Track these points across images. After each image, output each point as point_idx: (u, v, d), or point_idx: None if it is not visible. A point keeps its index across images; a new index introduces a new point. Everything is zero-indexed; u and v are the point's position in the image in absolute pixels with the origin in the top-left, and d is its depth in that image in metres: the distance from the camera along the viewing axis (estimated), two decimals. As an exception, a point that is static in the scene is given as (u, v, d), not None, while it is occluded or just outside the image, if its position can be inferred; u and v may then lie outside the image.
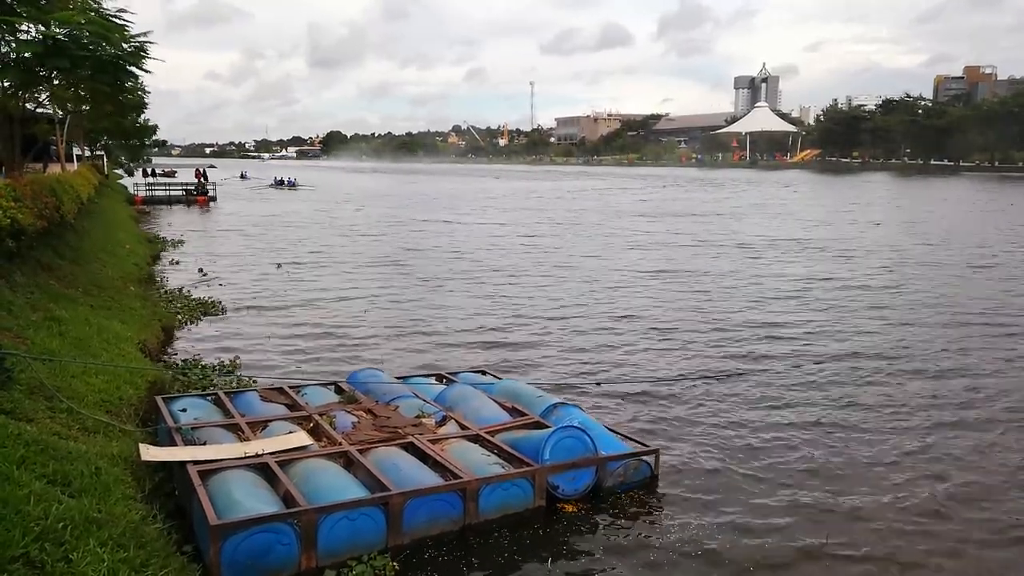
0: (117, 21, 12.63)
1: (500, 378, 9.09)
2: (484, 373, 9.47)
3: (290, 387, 8.41)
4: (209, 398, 7.99)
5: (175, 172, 67.20)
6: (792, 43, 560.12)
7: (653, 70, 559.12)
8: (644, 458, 6.90)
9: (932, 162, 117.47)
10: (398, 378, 8.83)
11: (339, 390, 8.52)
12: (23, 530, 3.84)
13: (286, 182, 65.27)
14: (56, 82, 14.10)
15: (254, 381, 9.33)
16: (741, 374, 10.44)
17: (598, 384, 9.88)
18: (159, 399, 7.62)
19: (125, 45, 12.75)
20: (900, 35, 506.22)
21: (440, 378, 9.15)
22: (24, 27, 12.43)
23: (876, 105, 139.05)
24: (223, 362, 10.29)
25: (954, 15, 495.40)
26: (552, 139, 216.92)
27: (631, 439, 7.25)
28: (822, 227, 32.12)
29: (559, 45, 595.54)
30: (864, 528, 6.19)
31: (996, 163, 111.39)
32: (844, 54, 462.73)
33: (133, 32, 13.00)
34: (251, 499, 5.37)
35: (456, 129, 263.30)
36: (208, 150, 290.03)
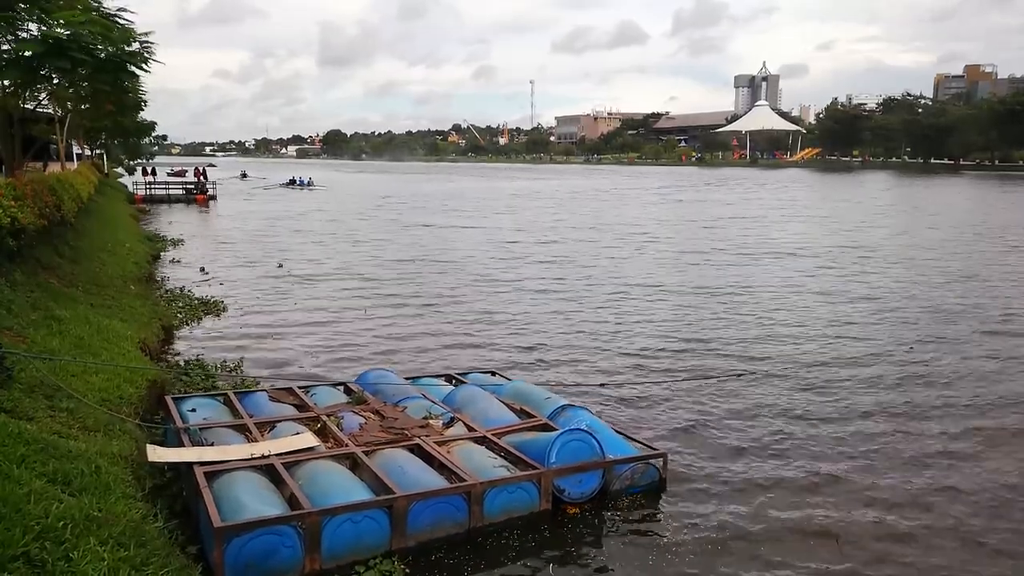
0: (119, 21, 12.58)
1: (510, 379, 9.03)
2: (494, 374, 9.42)
3: (299, 387, 8.38)
4: (219, 398, 7.96)
5: (185, 171, 63.73)
6: (806, 42, 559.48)
7: (663, 69, 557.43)
8: (652, 462, 6.82)
9: (932, 161, 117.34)
10: (408, 379, 8.79)
11: (348, 391, 8.47)
12: (23, 529, 3.80)
13: (297, 181, 64.19)
14: (56, 81, 14.03)
15: (257, 381, 9.27)
16: (754, 374, 10.36)
17: (602, 385, 9.81)
18: (169, 399, 7.60)
19: (126, 46, 12.67)
20: (909, 33, 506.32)
21: (449, 379, 9.10)
22: (25, 26, 12.38)
23: (877, 104, 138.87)
24: (226, 362, 10.23)
25: (967, 14, 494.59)
26: (552, 138, 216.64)
27: (639, 442, 7.15)
28: (859, 231, 30.21)
29: (571, 43, 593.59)
30: (875, 534, 6.12)
31: (996, 162, 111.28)
32: (852, 53, 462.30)
33: (136, 32, 12.94)
34: (256, 501, 5.33)
35: (456, 128, 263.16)
36: (208, 148, 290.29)
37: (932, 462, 7.52)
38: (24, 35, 12.41)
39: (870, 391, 9.72)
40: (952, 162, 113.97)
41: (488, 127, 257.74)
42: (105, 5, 13.18)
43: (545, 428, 7.13)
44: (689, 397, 9.45)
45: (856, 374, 10.43)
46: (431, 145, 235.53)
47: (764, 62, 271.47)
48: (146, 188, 45.35)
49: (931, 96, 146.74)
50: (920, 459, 7.58)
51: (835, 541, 5.92)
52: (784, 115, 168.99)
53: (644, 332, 12.97)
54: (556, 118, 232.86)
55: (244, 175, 79.49)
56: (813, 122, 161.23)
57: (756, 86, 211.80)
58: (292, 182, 64.66)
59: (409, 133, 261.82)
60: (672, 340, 12.38)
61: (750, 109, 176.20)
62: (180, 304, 14.12)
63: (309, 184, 63.63)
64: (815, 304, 15.46)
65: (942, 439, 8.11)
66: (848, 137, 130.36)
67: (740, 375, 10.34)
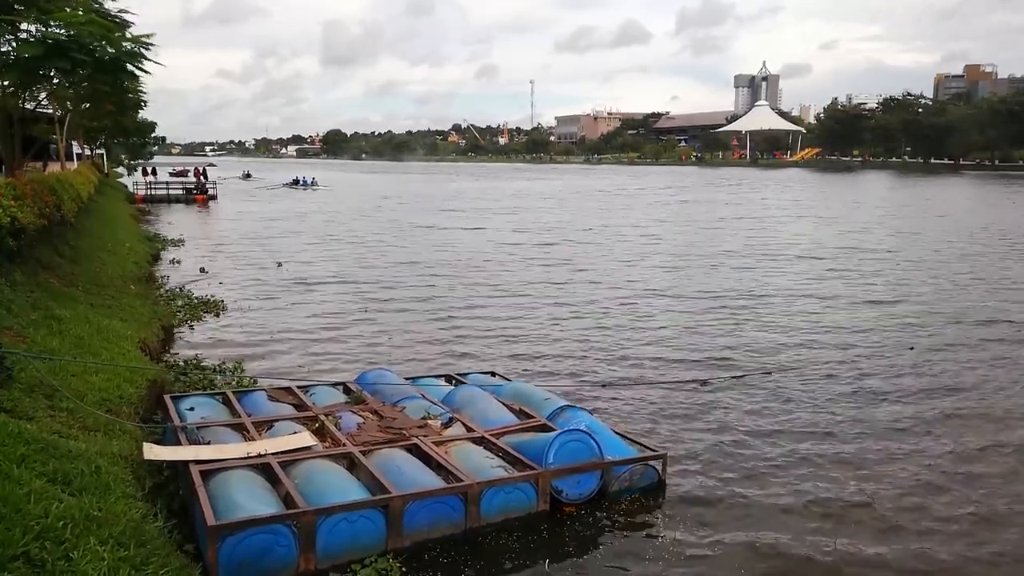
0: (118, 21, 12.64)
1: (509, 380, 9.04)
2: (494, 375, 9.42)
3: (298, 387, 8.40)
4: (217, 397, 7.98)
5: (187, 171, 62.60)
6: (807, 41, 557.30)
7: (665, 68, 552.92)
8: (651, 463, 6.83)
9: (932, 161, 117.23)
10: (407, 379, 8.79)
11: (347, 390, 8.48)
12: (23, 528, 3.83)
13: (300, 181, 63.75)
14: (56, 81, 14.07)
15: (255, 381, 9.29)
16: (755, 376, 10.34)
17: (603, 386, 9.83)
18: (167, 398, 7.62)
19: (127, 45, 12.71)
20: (910, 33, 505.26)
21: (449, 379, 9.11)
22: (25, 26, 12.41)
23: (877, 104, 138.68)
24: (224, 362, 10.25)
25: (968, 14, 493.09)
26: (552, 138, 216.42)
27: (639, 443, 7.15)
28: (864, 232, 29.66)
29: (573, 43, 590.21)
30: (874, 535, 6.14)
31: (996, 162, 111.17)
32: (853, 53, 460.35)
33: (137, 32, 13.00)
34: (252, 500, 5.34)
35: (456, 128, 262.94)
36: (208, 148, 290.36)
37: (934, 466, 7.50)
38: (24, 36, 12.45)
39: (873, 394, 9.68)
40: (952, 162, 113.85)
41: (488, 127, 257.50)
42: (106, 5, 13.25)
43: (544, 429, 7.14)
44: (690, 399, 9.45)
45: (859, 377, 10.40)
46: (431, 145, 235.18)
47: (764, 62, 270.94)
48: (146, 188, 45.36)
49: (931, 96, 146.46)
50: (922, 463, 7.57)
51: (832, 543, 5.94)
52: (784, 115, 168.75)
53: (646, 334, 12.96)
54: (556, 118, 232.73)
55: (247, 175, 78.80)
56: (813, 122, 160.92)
57: (756, 86, 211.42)
58: (295, 182, 64.11)
59: (409, 133, 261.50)
60: (674, 342, 12.37)
61: (750, 109, 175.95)
62: (180, 304, 14.15)
63: (312, 184, 63.24)
64: (819, 307, 15.40)
65: (945, 445, 8.07)
66: (848, 137, 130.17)
67: (742, 377, 10.35)
